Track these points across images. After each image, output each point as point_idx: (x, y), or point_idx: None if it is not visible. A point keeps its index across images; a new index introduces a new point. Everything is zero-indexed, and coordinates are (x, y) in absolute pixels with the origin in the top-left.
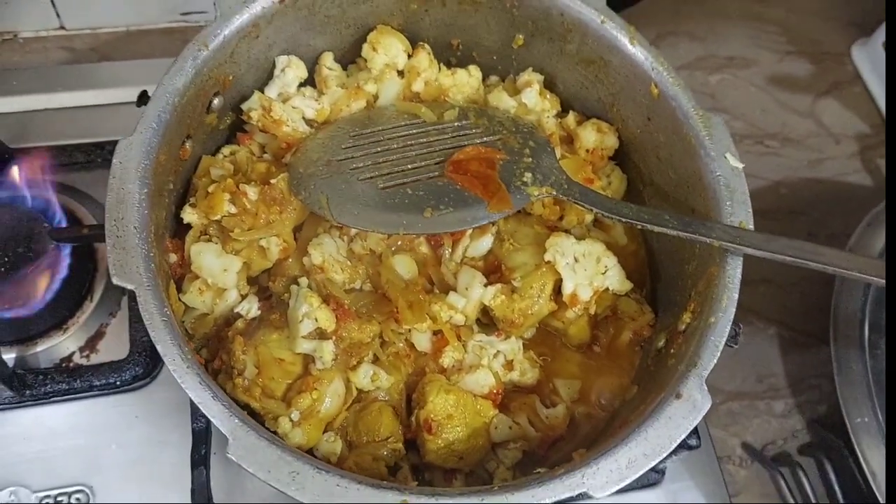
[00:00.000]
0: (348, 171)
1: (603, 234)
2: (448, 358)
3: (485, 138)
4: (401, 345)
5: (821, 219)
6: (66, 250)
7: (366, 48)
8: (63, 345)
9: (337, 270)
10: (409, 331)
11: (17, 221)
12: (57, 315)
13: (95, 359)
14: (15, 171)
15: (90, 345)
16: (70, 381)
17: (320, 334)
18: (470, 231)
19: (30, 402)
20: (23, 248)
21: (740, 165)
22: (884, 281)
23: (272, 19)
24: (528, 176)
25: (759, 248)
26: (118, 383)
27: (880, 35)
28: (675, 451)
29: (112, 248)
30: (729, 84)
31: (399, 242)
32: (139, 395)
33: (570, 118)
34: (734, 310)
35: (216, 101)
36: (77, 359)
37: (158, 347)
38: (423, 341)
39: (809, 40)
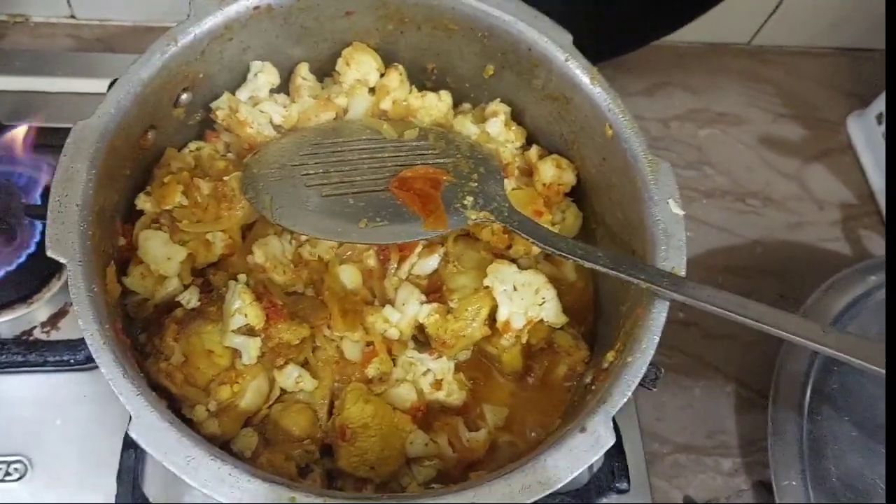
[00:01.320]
0: (298, 176)
1: (552, 268)
2: (373, 369)
3: (437, 160)
4: (331, 351)
5: (793, 282)
6: (39, 227)
7: (340, 62)
8: (26, 318)
9: (279, 272)
10: (342, 339)
11: None
12: (23, 289)
13: (55, 335)
14: (3, 147)
15: (52, 321)
16: (26, 354)
17: (249, 331)
18: (419, 249)
19: None
20: None
21: (681, 213)
22: (806, 341)
23: (246, 24)
24: (469, 199)
25: (684, 294)
26: (72, 361)
27: (877, 106)
28: (603, 494)
29: (52, 222)
30: (717, 139)
31: (348, 253)
32: (91, 376)
33: (533, 151)
34: (653, 352)
35: (184, 97)
36: (38, 333)
37: (79, 321)
38: (353, 350)
39: (805, 105)
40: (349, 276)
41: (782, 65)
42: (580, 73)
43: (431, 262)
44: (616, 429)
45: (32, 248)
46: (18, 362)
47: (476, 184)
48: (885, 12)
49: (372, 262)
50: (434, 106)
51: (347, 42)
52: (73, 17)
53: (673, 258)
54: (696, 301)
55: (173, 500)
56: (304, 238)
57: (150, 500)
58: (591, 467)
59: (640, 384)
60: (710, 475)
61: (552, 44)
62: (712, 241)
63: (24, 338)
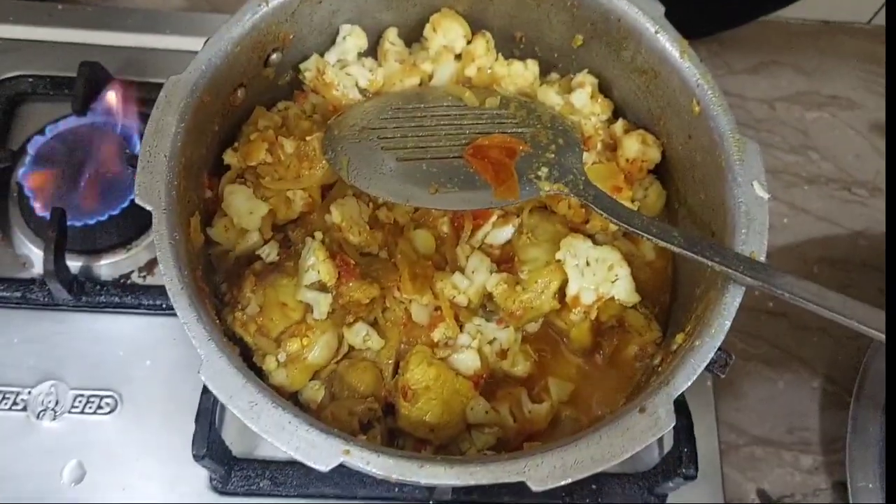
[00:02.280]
0: (376, 139)
1: (631, 246)
2: (439, 333)
3: (516, 129)
4: (399, 313)
5: None
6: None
7: (427, 28)
8: (125, 262)
9: (354, 232)
10: (410, 301)
11: (103, 143)
12: (123, 234)
13: (151, 280)
14: (111, 98)
15: (149, 267)
16: (122, 296)
17: (321, 287)
18: (493, 219)
19: (85, 308)
20: (103, 168)
21: (766, 196)
22: (882, 335)
23: None
24: (543, 171)
25: (760, 280)
26: (164, 306)
27: None
28: (669, 478)
29: (141, 170)
30: (826, 123)
31: (423, 218)
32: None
33: (619, 125)
34: (722, 337)
35: (274, 57)
36: (135, 277)
37: (160, 265)
38: (420, 314)
39: None
40: (422, 241)
41: None
42: (669, 46)
43: (505, 233)
44: (687, 414)
45: (133, 195)
46: (115, 303)
47: (553, 155)
48: (885, 13)
49: (446, 228)
50: (520, 74)
51: (436, 8)
52: None
53: (752, 242)
54: (772, 288)
55: (248, 448)
56: (381, 201)
57: (227, 444)
58: (661, 450)
59: (708, 370)
60: (787, 470)
61: (643, 15)
62: (811, 230)
63: (122, 281)
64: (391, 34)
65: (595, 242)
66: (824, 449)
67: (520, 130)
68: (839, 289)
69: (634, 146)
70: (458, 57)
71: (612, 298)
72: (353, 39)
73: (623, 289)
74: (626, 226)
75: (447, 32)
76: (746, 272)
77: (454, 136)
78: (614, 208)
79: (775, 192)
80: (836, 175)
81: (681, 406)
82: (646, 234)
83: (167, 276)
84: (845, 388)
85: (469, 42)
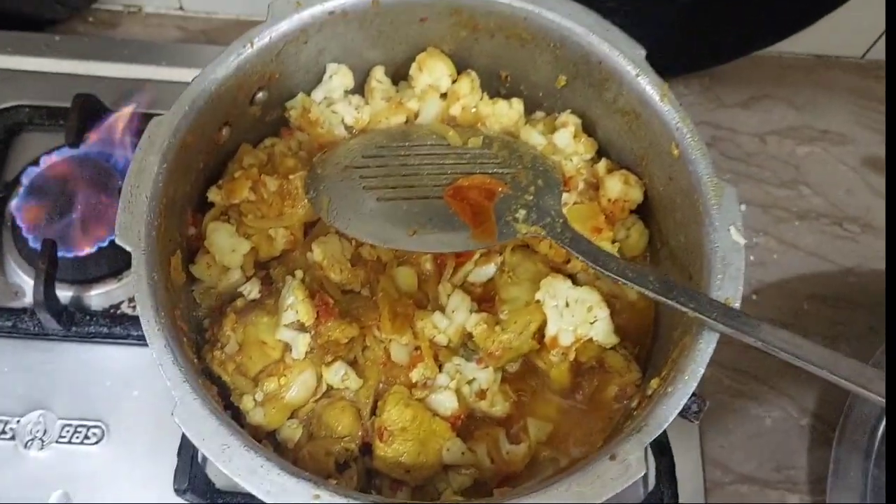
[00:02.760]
0: (358, 178)
1: (614, 286)
2: (418, 373)
3: (498, 170)
4: (379, 352)
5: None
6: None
7: (413, 67)
8: (115, 293)
9: (336, 271)
10: (390, 341)
11: (97, 174)
12: (114, 265)
13: None
14: (106, 129)
15: None
16: (112, 327)
17: (300, 326)
18: (476, 257)
19: (74, 338)
20: (94, 199)
21: (742, 241)
22: (857, 388)
23: (322, 28)
24: (521, 213)
25: (734, 328)
26: None
27: None
28: None
29: (122, 211)
30: (817, 158)
31: (406, 255)
32: None
33: (601, 165)
34: (695, 384)
35: (260, 95)
36: (125, 308)
37: (137, 306)
38: (400, 353)
39: None
40: (405, 279)
41: None
42: (650, 88)
43: (487, 271)
44: (669, 454)
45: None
46: (104, 334)
47: (532, 197)
48: (885, 14)
49: (429, 266)
50: (504, 113)
51: (422, 47)
52: (181, 8)
53: (728, 288)
54: (745, 336)
55: (231, 480)
56: None
57: (210, 477)
58: (646, 488)
59: (682, 416)
60: None
61: (623, 58)
62: (801, 265)
63: (112, 311)
64: (378, 72)
65: (576, 282)
66: (811, 488)
67: (501, 171)
68: (829, 326)
69: (617, 186)
70: (444, 96)
71: (591, 340)
72: (339, 78)
73: (602, 330)
74: (601, 270)
75: (433, 71)
76: (720, 319)
77: (436, 175)
78: (591, 251)
79: (766, 227)
80: (828, 210)
81: (662, 446)
82: (621, 279)
83: (144, 317)
84: (834, 427)
85: (454, 81)
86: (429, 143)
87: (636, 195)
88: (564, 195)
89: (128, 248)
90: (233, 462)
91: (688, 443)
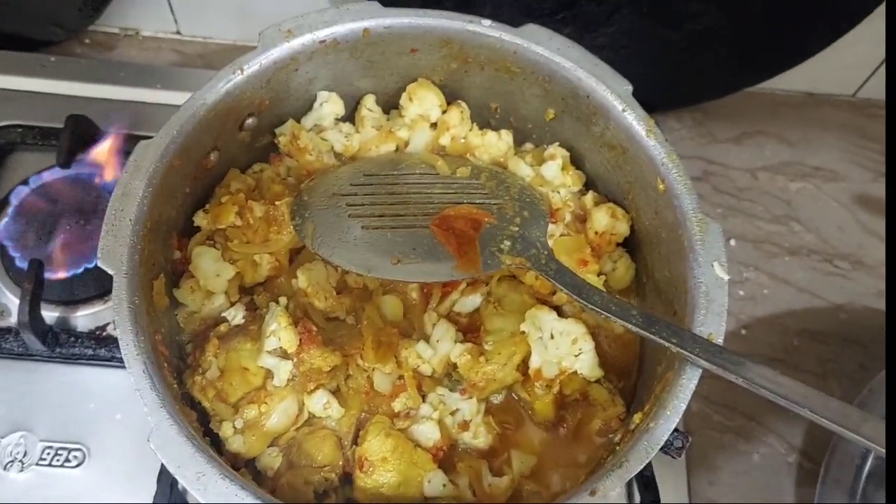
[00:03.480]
0: (345, 206)
1: (600, 318)
2: (400, 403)
3: (485, 200)
4: (362, 381)
5: (878, 353)
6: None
7: (403, 97)
8: (101, 314)
9: (320, 298)
10: (373, 369)
11: (86, 195)
12: (101, 286)
13: None
14: (97, 152)
15: None
16: (96, 349)
17: (283, 354)
18: (462, 287)
19: (58, 360)
20: (83, 221)
21: (725, 277)
22: (841, 429)
23: (312, 56)
24: (506, 244)
25: (716, 364)
26: None
27: None
28: None
29: (105, 234)
30: (809, 194)
31: (392, 284)
32: None
33: (589, 198)
34: (677, 420)
35: (250, 121)
36: (110, 329)
37: (117, 330)
38: (383, 382)
39: None
40: (390, 307)
41: None
42: (636, 124)
43: (473, 301)
44: (654, 490)
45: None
46: (89, 355)
47: (518, 228)
48: (886, 16)
49: (415, 294)
50: (493, 144)
51: (413, 77)
52: (178, 32)
53: (710, 324)
54: (727, 373)
55: None
56: None
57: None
58: None
59: (664, 451)
60: None
61: (610, 93)
62: (791, 301)
63: (98, 333)
64: (369, 101)
65: (562, 314)
66: None
67: (488, 201)
68: (819, 363)
69: (604, 219)
70: (434, 125)
71: (576, 372)
72: (329, 106)
73: (586, 363)
74: (585, 303)
75: (423, 101)
76: (702, 355)
77: (423, 204)
78: (575, 284)
79: (756, 262)
80: (819, 247)
81: (647, 480)
82: (605, 312)
83: (123, 341)
84: (820, 464)
85: (444, 111)
86: (418, 171)
87: (623, 228)
88: (551, 227)
89: (109, 272)
90: (208, 490)
91: (675, 478)
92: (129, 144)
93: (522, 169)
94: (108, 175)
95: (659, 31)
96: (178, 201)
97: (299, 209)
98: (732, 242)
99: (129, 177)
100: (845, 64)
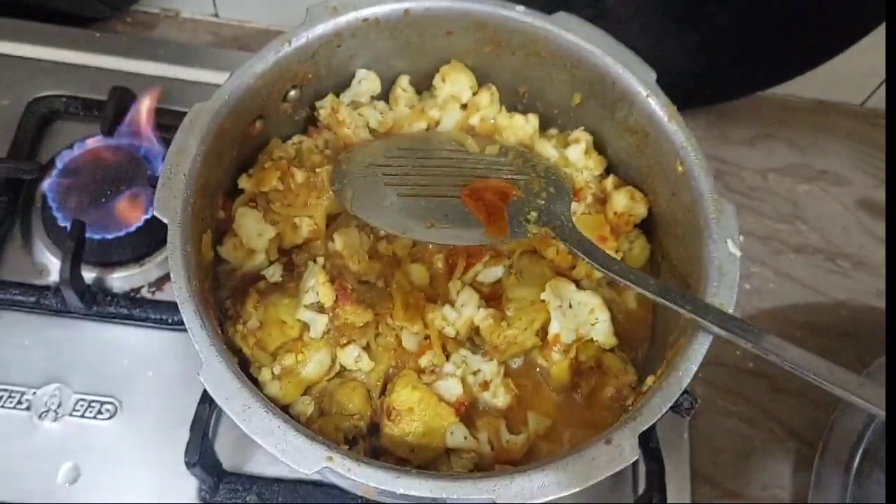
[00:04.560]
0: (381, 175)
1: (614, 295)
2: (426, 360)
3: (512, 176)
4: (391, 339)
5: (875, 349)
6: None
7: (436, 78)
8: (136, 277)
9: (354, 261)
10: (402, 329)
11: (127, 162)
12: (137, 251)
13: (160, 296)
14: (136, 120)
15: (158, 283)
16: (131, 309)
17: (319, 308)
18: (485, 258)
19: (94, 317)
20: (124, 186)
21: (738, 253)
22: (836, 388)
23: (355, 33)
24: (533, 215)
25: (725, 329)
26: (170, 321)
27: None
28: None
29: (161, 186)
30: (815, 196)
31: (420, 253)
32: (184, 336)
33: (610, 181)
34: (688, 380)
35: (293, 93)
36: (144, 292)
37: (171, 274)
38: (410, 341)
39: None
40: (417, 274)
41: None
42: (659, 109)
43: (495, 272)
44: (659, 458)
45: (150, 214)
46: (124, 315)
47: (543, 202)
48: (886, 17)
49: (440, 264)
50: (520, 127)
51: (447, 59)
52: (216, 15)
53: (723, 295)
54: (737, 339)
55: (238, 462)
56: (381, 234)
57: (219, 457)
58: (636, 493)
59: (674, 410)
60: None
61: (636, 79)
62: (795, 296)
63: (133, 294)
64: (403, 81)
65: (579, 287)
66: None
67: (515, 177)
68: (819, 354)
69: (623, 201)
70: (464, 106)
71: (592, 340)
72: (367, 83)
73: (602, 332)
74: (605, 270)
75: (455, 83)
76: (714, 321)
77: (453, 177)
78: (595, 254)
79: (763, 257)
80: (822, 246)
81: (654, 453)
82: (623, 280)
83: (176, 283)
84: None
85: (475, 93)
86: (448, 148)
87: (641, 210)
88: (574, 204)
89: (165, 220)
90: (252, 422)
91: (678, 455)
92: (167, 118)
93: (548, 150)
94: (149, 145)
95: (677, 32)
96: (224, 163)
97: (338, 176)
98: (741, 238)
99: (184, 135)
100: (855, 74)
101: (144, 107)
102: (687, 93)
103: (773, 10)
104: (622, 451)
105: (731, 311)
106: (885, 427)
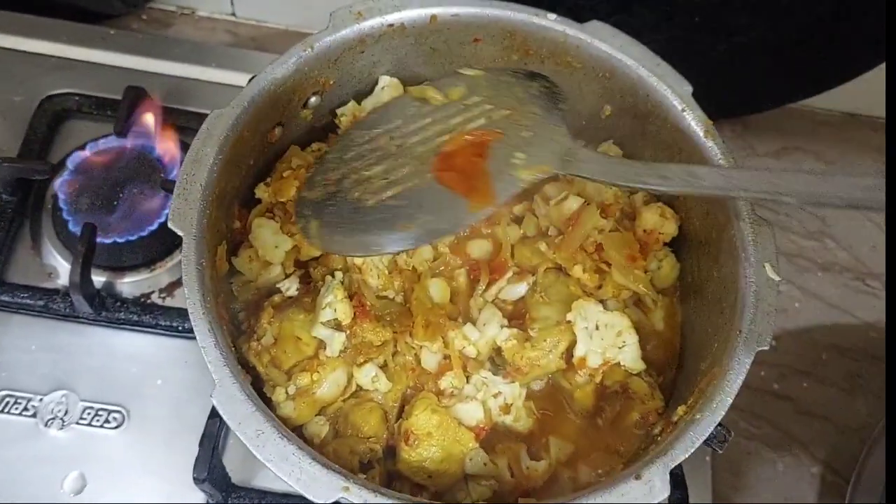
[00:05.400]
0: (346, 185)
1: (641, 316)
2: (446, 382)
3: (488, 116)
4: (409, 358)
5: None
6: (170, 201)
7: None
8: (147, 282)
9: (373, 275)
10: (421, 348)
11: (140, 165)
12: (148, 255)
13: (170, 302)
14: (150, 122)
15: (169, 289)
16: (141, 315)
17: (336, 325)
18: (508, 275)
19: (103, 323)
20: (137, 189)
21: (777, 278)
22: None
23: (379, 39)
24: (519, 157)
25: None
26: (180, 328)
27: None
28: None
29: (177, 196)
30: (844, 213)
31: (441, 268)
32: (194, 344)
33: (639, 197)
34: (723, 413)
35: (313, 100)
36: (155, 298)
37: (185, 289)
38: (430, 360)
39: None
40: (438, 290)
41: None
42: (694, 124)
43: (519, 289)
44: (683, 486)
45: (163, 219)
46: (133, 321)
47: (529, 131)
48: (886, 18)
49: (462, 279)
50: None
51: (472, 67)
52: (233, 14)
53: (760, 323)
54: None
55: (247, 476)
56: None
57: (228, 471)
58: None
59: (707, 444)
60: None
61: (671, 92)
62: (821, 316)
63: (143, 300)
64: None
65: (606, 308)
66: None
67: (491, 116)
68: (847, 378)
69: (653, 218)
70: None
71: (618, 364)
72: (390, 90)
73: (630, 356)
74: (620, 183)
75: None
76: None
77: (422, 151)
78: (600, 163)
79: (789, 276)
80: (851, 265)
81: (677, 479)
82: (636, 185)
83: (191, 300)
84: (844, 477)
85: None
86: (409, 112)
87: (671, 228)
88: (602, 221)
89: (180, 233)
90: (266, 448)
91: (700, 481)
92: (182, 119)
93: None
94: (163, 146)
95: (707, 42)
96: (242, 172)
97: (301, 208)
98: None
99: (201, 143)
100: (885, 88)
101: (159, 113)
102: (714, 103)
103: (807, 22)
104: (653, 487)
105: (769, 341)
106: (886, 427)
